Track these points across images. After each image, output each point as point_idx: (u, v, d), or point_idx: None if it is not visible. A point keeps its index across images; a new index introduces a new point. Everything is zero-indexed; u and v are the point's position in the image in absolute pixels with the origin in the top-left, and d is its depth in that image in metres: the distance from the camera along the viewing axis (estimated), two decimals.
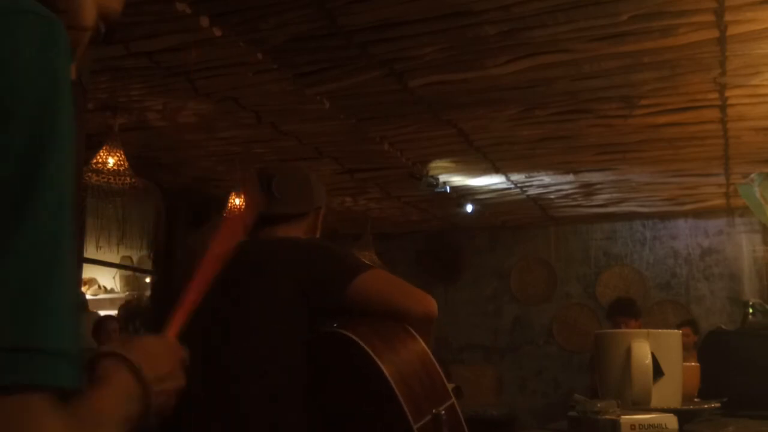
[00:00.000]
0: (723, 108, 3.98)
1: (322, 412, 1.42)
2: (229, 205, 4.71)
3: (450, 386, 1.76)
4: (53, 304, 0.56)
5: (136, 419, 0.79)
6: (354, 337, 1.31)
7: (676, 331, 1.64)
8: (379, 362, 1.26)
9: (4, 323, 0.52)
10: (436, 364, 1.35)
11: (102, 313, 5.76)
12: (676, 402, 1.50)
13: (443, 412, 1.28)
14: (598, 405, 1.37)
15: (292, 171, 1.90)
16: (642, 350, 1.46)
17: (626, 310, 5.20)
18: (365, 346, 1.29)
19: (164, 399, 0.86)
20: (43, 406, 0.53)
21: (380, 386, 1.25)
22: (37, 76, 0.58)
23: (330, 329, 1.39)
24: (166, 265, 5.93)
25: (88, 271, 6.39)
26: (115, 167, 4.02)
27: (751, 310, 2.14)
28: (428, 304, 1.50)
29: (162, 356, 0.89)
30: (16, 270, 0.54)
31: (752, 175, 2.58)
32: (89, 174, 3.95)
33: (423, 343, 1.38)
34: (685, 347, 1.58)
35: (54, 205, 0.57)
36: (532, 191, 5.94)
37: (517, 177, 5.50)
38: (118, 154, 4.05)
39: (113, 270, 6.69)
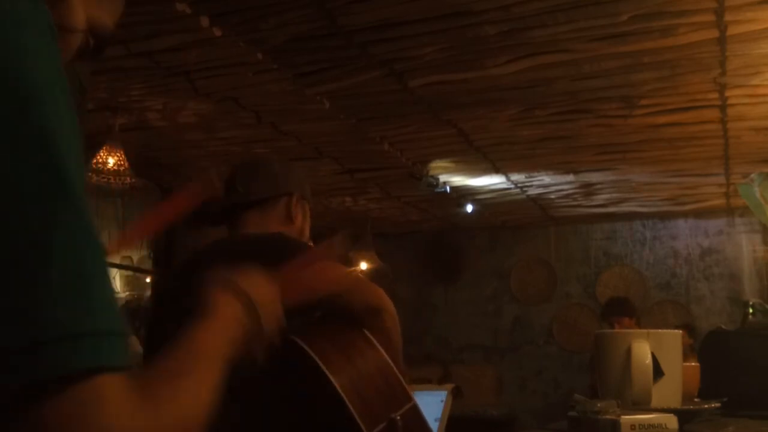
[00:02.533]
0: (723, 108, 3.98)
1: (274, 421, 1.40)
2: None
3: (450, 386, 1.76)
4: (101, 284, 0.56)
5: (246, 345, 0.80)
6: (303, 346, 1.29)
7: (676, 331, 1.64)
8: (327, 372, 1.24)
9: (60, 310, 0.52)
10: (394, 368, 1.32)
11: None
12: (676, 402, 1.50)
13: (399, 417, 1.27)
14: (598, 405, 1.37)
15: (254, 161, 1.87)
16: (642, 350, 1.46)
17: (618, 309, 5.21)
18: (314, 355, 1.26)
19: (273, 323, 0.88)
20: (114, 387, 0.53)
21: (330, 395, 1.23)
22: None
23: (287, 337, 1.37)
24: (166, 265, 5.93)
25: None
26: (115, 167, 4.02)
27: (751, 310, 2.14)
28: (370, 294, 1.46)
29: (263, 284, 0.92)
30: (65, 255, 0.53)
31: (752, 175, 2.57)
32: (89, 174, 3.95)
33: (380, 349, 1.34)
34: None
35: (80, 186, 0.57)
36: (532, 191, 5.94)
37: (517, 177, 5.50)
38: (118, 154, 4.05)
39: (113, 270, 6.69)
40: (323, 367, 1.25)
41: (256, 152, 4.81)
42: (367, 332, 1.37)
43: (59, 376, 0.51)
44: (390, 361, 1.33)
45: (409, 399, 1.30)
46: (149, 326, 1.70)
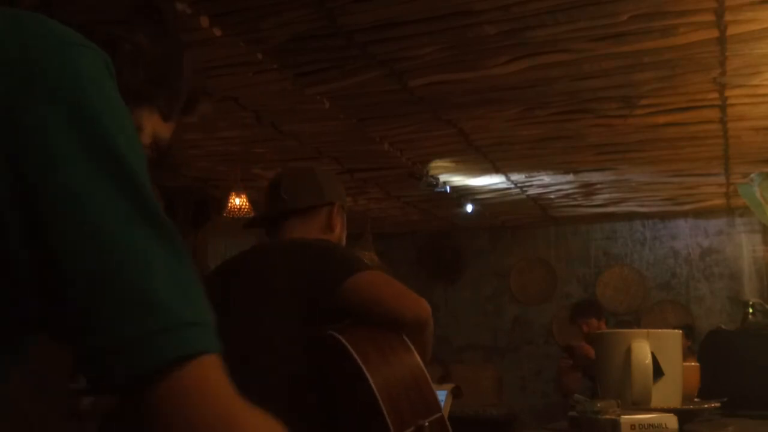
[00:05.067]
0: (723, 108, 3.98)
1: (311, 412, 1.42)
2: (229, 205, 4.71)
3: (450, 386, 1.76)
4: (197, 285, 0.66)
5: None
6: (345, 343, 1.30)
7: (676, 331, 1.64)
8: (365, 370, 1.26)
9: (177, 304, 0.62)
10: (428, 377, 1.34)
11: None
12: (676, 402, 1.50)
13: (427, 424, 1.28)
14: (598, 405, 1.37)
15: (299, 171, 1.91)
16: (642, 350, 1.46)
17: (586, 311, 5.26)
18: (354, 353, 1.28)
19: None
20: (220, 365, 0.64)
21: (365, 393, 1.25)
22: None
23: (325, 333, 1.39)
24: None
25: None
26: None
27: (751, 310, 2.14)
28: (420, 308, 1.47)
29: None
30: (172, 264, 0.64)
31: (752, 175, 2.58)
32: None
33: (417, 356, 1.36)
34: None
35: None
36: (532, 191, 5.94)
37: (517, 177, 5.50)
38: None
39: None
40: (361, 364, 1.26)
41: (256, 152, 4.81)
42: (406, 338, 1.38)
43: (184, 355, 0.61)
44: (425, 370, 1.35)
45: (439, 409, 1.32)
46: None
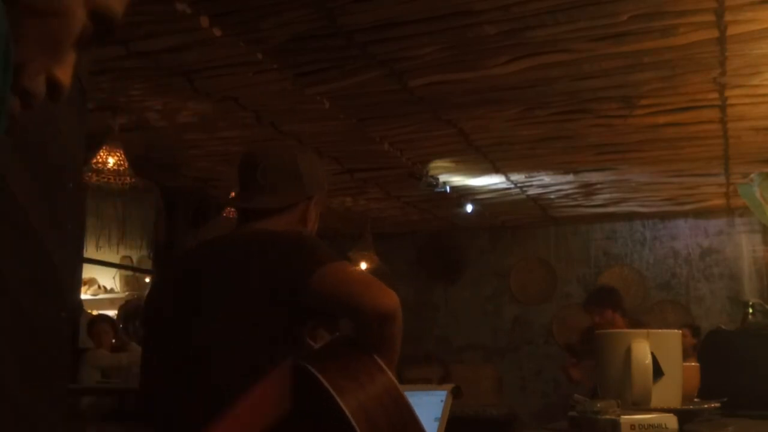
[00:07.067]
0: (723, 108, 3.98)
1: None
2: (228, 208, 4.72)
3: (450, 386, 1.76)
4: None
5: None
6: (316, 374, 1.27)
7: (676, 331, 1.63)
8: (340, 401, 1.23)
9: None
10: (406, 398, 1.30)
11: (102, 313, 5.76)
12: (676, 402, 1.50)
13: None
14: (598, 405, 1.37)
15: (279, 153, 1.78)
16: (642, 350, 1.46)
17: (603, 300, 4.72)
18: (326, 384, 1.25)
19: None
20: None
21: (342, 424, 1.23)
22: None
23: (295, 362, 1.36)
24: (166, 265, 5.93)
25: (88, 271, 6.39)
26: (115, 167, 4.03)
27: (751, 310, 2.14)
28: (382, 299, 1.39)
29: None
30: None
31: (752, 175, 2.58)
32: (89, 174, 3.95)
33: (392, 377, 1.32)
34: (683, 349, 1.58)
35: None
36: (532, 191, 5.94)
37: (517, 177, 5.50)
38: (118, 154, 4.05)
39: (113, 270, 6.69)
40: (334, 394, 1.24)
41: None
42: (377, 358, 1.35)
43: None
44: (399, 387, 1.31)
45: (417, 424, 1.29)
46: (153, 311, 1.66)
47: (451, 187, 5.66)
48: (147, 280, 6.60)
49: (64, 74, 0.65)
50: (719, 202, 6.29)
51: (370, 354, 1.35)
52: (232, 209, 4.68)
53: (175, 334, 1.55)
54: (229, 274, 1.54)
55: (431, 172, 5.28)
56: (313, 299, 1.44)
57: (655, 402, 1.45)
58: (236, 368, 1.44)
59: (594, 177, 5.50)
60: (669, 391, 1.50)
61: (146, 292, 6.38)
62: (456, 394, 1.75)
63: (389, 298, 1.40)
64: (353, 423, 1.21)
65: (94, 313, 5.82)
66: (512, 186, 5.74)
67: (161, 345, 1.60)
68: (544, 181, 5.63)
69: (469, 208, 6.25)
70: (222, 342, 1.48)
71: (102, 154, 4.02)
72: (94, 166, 3.98)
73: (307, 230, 1.74)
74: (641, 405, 1.43)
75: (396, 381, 1.32)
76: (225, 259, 1.58)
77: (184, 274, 1.63)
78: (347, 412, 1.21)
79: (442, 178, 5.43)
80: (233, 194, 1.81)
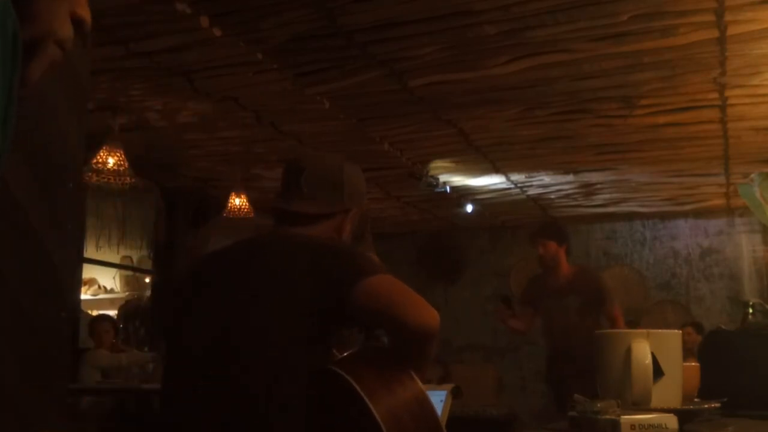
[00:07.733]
0: (723, 108, 3.98)
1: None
2: (229, 205, 4.71)
3: (450, 386, 1.76)
4: None
5: None
6: (349, 378, 1.28)
7: (676, 331, 1.63)
8: (371, 405, 1.24)
9: None
10: (433, 406, 1.32)
11: (102, 313, 5.76)
12: (676, 402, 1.50)
13: None
14: (598, 405, 1.37)
15: (326, 161, 1.79)
16: (642, 350, 1.46)
17: (546, 232, 4.62)
18: (358, 388, 1.26)
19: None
20: None
21: (370, 425, 1.24)
22: None
23: (327, 367, 1.37)
24: (166, 265, 5.93)
25: (88, 271, 6.38)
26: (115, 167, 4.02)
27: (751, 310, 2.14)
28: (425, 318, 1.41)
29: None
30: None
31: (752, 175, 2.57)
32: (89, 174, 3.95)
33: (421, 385, 1.34)
34: (687, 347, 1.58)
35: None
36: (532, 191, 5.94)
37: (517, 177, 5.50)
38: (118, 154, 4.05)
39: (113, 270, 6.68)
40: (366, 399, 1.25)
41: (256, 152, 4.81)
42: (410, 369, 1.36)
43: None
44: (429, 398, 1.32)
45: None
46: (178, 308, 1.64)
47: (451, 187, 5.67)
48: (147, 280, 6.60)
49: (84, 11, 0.74)
50: (719, 202, 6.29)
51: (403, 364, 1.37)
52: (232, 212, 4.68)
53: (203, 331, 1.53)
54: (270, 276, 1.52)
55: (431, 172, 5.28)
56: (355, 310, 1.44)
57: (655, 402, 1.44)
58: (269, 370, 1.43)
59: (594, 177, 5.50)
60: (669, 391, 1.50)
61: (147, 293, 6.39)
62: (456, 394, 1.76)
63: (432, 318, 1.42)
64: (382, 425, 1.22)
65: (94, 313, 5.81)
66: (512, 186, 5.74)
67: (186, 343, 1.57)
68: (544, 181, 5.63)
69: (469, 208, 6.25)
70: (255, 342, 1.47)
71: (102, 154, 4.01)
72: (94, 166, 3.98)
73: (342, 239, 1.74)
74: (641, 405, 1.43)
75: (425, 391, 1.34)
76: (265, 261, 1.56)
77: (216, 273, 1.60)
78: (379, 419, 1.23)
79: (442, 178, 5.43)
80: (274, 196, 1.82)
